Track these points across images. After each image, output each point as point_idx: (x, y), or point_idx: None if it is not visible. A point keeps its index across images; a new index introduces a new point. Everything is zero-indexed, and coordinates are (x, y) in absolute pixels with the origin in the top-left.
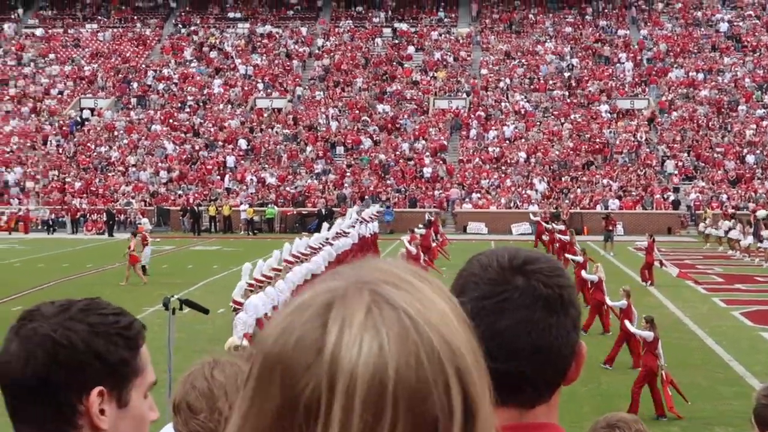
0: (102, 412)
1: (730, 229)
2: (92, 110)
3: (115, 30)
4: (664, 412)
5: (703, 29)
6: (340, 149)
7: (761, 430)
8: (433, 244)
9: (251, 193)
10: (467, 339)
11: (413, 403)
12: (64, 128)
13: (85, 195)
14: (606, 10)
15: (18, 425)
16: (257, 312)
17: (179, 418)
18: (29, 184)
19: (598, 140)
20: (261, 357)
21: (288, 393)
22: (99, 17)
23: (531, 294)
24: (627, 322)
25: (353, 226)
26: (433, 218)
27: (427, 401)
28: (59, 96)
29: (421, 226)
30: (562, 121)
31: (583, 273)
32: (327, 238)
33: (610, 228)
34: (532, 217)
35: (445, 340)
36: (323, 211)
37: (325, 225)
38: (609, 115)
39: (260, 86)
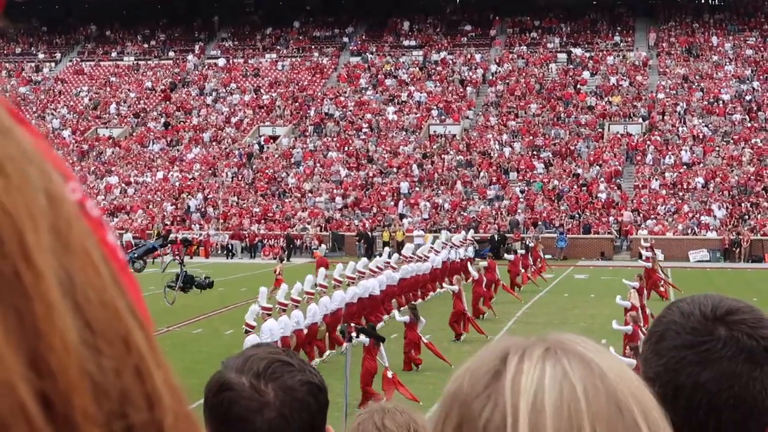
0: None
1: None
2: (272, 138)
3: (293, 59)
4: None
5: None
6: (513, 175)
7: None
8: (525, 270)
9: (425, 219)
10: (650, 394)
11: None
12: (243, 155)
13: (263, 221)
14: None
15: None
16: (272, 336)
17: None
18: (210, 210)
19: None
20: (442, 399)
21: (468, 425)
22: (278, 47)
23: (734, 345)
24: (614, 322)
25: (437, 252)
26: (533, 244)
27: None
28: (239, 124)
29: (522, 251)
30: (742, 145)
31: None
32: (387, 262)
33: None
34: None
35: (628, 382)
36: (496, 236)
37: (386, 249)
38: None
39: (434, 113)
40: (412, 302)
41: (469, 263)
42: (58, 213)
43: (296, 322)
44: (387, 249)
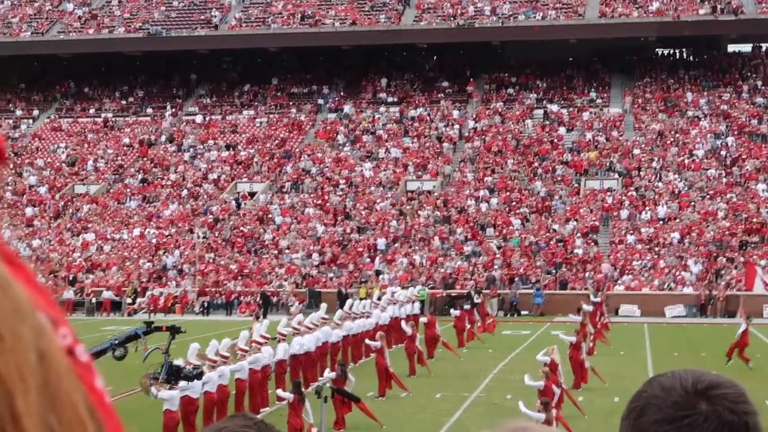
0: None
1: None
2: (250, 194)
3: (270, 116)
4: None
5: None
6: (490, 230)
7: None
8: (471, 326)
9: (402, 275)
10: None
11: None
12: (220, 212)
13: (239, 277)
14: (763, 87)
15: None
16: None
17: None
18: (186, 267)
19: (755, 220)
20: None
21: None
22: (256, 103)
23: (716, 420)
24: (521, 403)
25: (383, 308)
26: (480, 300)
27: None
28: (217, 180)
29: (468, 306)
30: (718, 200)
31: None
32: (324, 319)
33: None
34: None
35: None
36: (472, 292)
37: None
38: (767, 194)
39: (410, 168)
40: (341, 360)
41: (403, 321)
42: (48, 369)
43: (220, 376)
44: (349, 301)
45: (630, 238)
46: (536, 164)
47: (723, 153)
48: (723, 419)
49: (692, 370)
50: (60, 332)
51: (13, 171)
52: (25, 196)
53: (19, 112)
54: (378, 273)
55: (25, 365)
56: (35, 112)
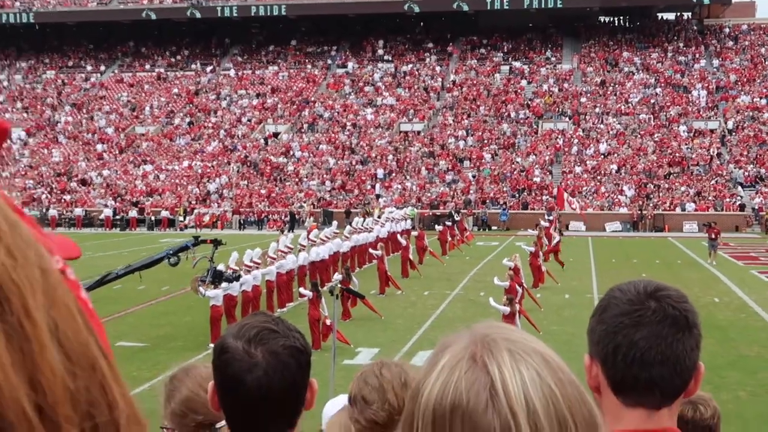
0: None
1: None
2: (275, 134)
3: (291, 71)
4: None
5: (767, 62)
6: (466, 163)
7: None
8: (452, 239)
9: (396, 198)
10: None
11: (582, 418)
12: (252, 148)
13: (267, 200)
14: (684, 48)
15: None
16: (247, 285)
17: (355, 408)
18: (225, 192)
19: (677, 155)
20: (430, 410)
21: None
22: (279, 61)
23: (661, 313)
24: (491, 299)
25: (382, 224)
26: (459, 218)
27: (588, 421)
28: (248, 123)
29: (449, 223)
30: (648, 139)
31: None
32: (336, 232)
33: (714, 237)
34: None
35: (562, 363)
36: (452, 211)
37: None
38: (686, 134)
39: (404, 113)
40: (346, 265)
41: (398, 235)
42: (48, 280)
43: (254, 278)
44: (357, 219)
45: (578, 169)
46: (503, 110)
47: (652, 101)
48: (666, 313)
49: (644, 279)
50: (54, 258)
51: (86, 115)
52: (95, 134)
53: (89, 68)
54: (378, 196)
55: (33, 276)
56: (102, 68)
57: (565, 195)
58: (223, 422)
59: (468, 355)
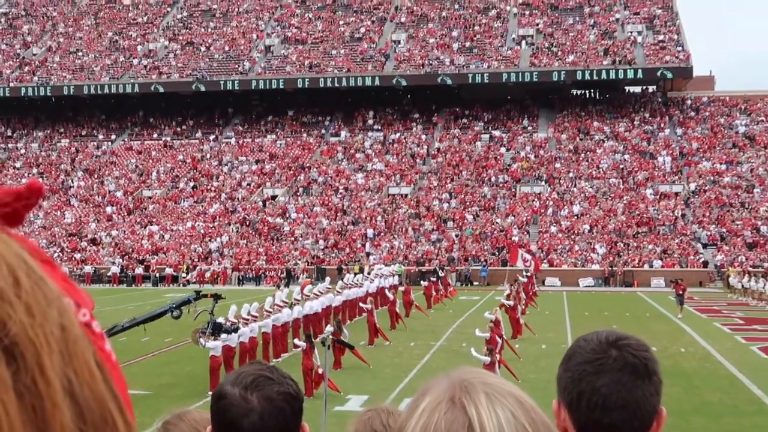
0: None
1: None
2: (272, 197)
3: (287, 139)
4: None
5: (725, 131)
6: (450, 223)
7: None
8: (436, 293)
9: (385, 256)
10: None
11: None
12: (251, 210)
13: (264, 257)
14: (650, 118)
15: None
16: (244, 336)
17: None
18: (225, 250)
19: (645, 216)
20: None
21: None
22: (277, 129)
23: (622, 361)
24: (472, 349)
25: (372, 280)
26: (443, 274)
27: None
28: (248, 186)
29: (434, 278)
30: (617, 201)
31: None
32: (329, 287)
33: (680, 292)
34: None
35: (535, 405)
36: (437, 268)
37: (348, 276)
38: (653, 196)
39: (392, 178)
40: (338, 317)
41: (386, 290)
42: (67, 338)
43: (251, 330)
44: (349, 276)
45: (553, 229)
46: (484, 174)
47: (621, 166)
48: (627, 361)
49: (607, 329)
50: (81, 312)
51: (97, 180)
52: (105, 198)
53: (101, 137)
54: (368, 254)
55: (50, 335)
56: (113, 137)
57: (520, 252)
58: None
59: (447, 398)
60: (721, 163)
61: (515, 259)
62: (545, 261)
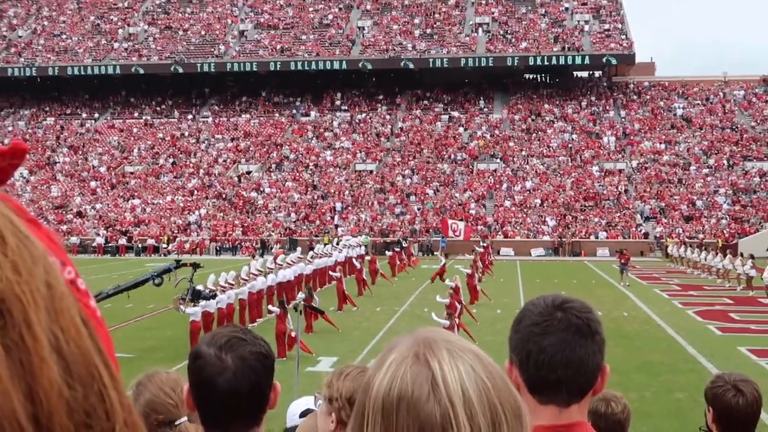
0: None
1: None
2: (247, 173)
3: (261, 118)
4: None
5: (665, 113)
6: (412, 198)
7: (708, 407)
8: (400, 262)
9: (352, 228)
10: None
11: (509, 406)
12: (227, 184)
13: (241, 229)
14: (595, 101)
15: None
16: (220, 303)
17: (336, 406)
18: (203, 223)
19: (591, 191)
20: (379, 401)
21: (419, 419)
22: (251, 109)
23: (566, 322)
24: (433, 314)
25: (340, 250)
26: (407, 244)
27: (515, 409)
28: (224, 163)
29: (398, 249)
30: (566, 177)
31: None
32: (300, 257)
33: (624, 261)
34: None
35: (492, 360)
36: (400, 239)
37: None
38: (599, 173)
39: (358, 155)
40: (309, 285)
41: (354, 259)
42: (53, 295)
43: (228, 297)
44: (319, 246)
45: (507, 203)
46: (443, 152)
47: (569, 145)
48: (571, 322)
49: (554, 293)
50: (66, 269)
51: (81, 156)
52: (90, 173)
53: (84, 115)
54: (336, 226)
55: (37, 291)
56: (96, 115)
57: (449, 222)
58: (183, 419)
59: (412, 354)
60: (660, 143)
61: (446, 231)
62: (500, 233)
